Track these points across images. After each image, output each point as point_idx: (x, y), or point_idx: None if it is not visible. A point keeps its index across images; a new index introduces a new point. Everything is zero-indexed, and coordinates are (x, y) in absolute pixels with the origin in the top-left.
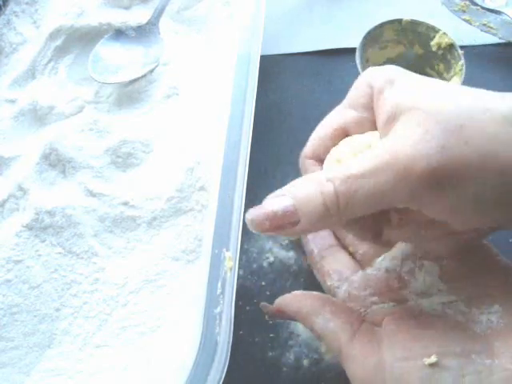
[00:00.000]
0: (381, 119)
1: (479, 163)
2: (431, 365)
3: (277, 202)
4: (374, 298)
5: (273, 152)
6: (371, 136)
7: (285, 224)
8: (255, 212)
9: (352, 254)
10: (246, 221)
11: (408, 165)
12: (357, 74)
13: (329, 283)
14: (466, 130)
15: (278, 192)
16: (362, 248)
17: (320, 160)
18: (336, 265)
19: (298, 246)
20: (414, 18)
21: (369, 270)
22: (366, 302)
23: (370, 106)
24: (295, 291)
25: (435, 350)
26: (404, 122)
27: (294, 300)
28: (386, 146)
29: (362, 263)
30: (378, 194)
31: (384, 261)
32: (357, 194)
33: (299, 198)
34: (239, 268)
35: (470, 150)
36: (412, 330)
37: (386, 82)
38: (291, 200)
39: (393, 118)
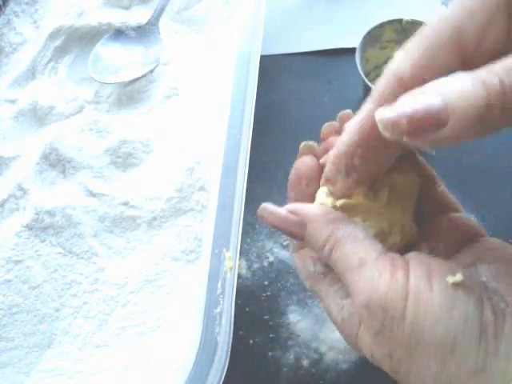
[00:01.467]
0: None
1: None
2: (454, 284)
3: (419, 99)
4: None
5: (273, 152)
6: None
7: (428, 125)
8: (387, 111)
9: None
10: (377, 120)
11: None
12: (357, 74)
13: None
14: None
15: (417, 90)
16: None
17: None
18: None
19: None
20: (414, 18)
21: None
22: None
23: None
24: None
25: (460, 270)
26: None
27: (316, 207)
28: None
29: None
30: None
31: None
32: None
33: (451, 92)
34: (239, 268)
35: None
36: (436, 259)
37: None
38: (438, 97)
39: None
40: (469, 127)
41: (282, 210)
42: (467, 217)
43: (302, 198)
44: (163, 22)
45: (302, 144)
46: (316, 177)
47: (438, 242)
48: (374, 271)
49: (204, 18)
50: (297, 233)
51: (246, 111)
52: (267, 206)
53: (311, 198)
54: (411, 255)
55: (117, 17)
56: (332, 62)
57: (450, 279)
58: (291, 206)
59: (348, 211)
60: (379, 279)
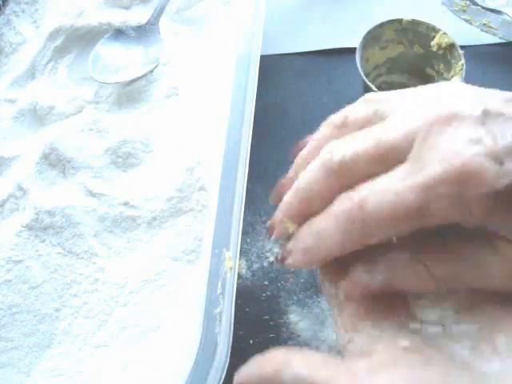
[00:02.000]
0: None
1: None
2: None
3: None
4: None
5: (273, 152)
6: None
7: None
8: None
9: None
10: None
11: None
12: (357, 74)
13: None
14: None
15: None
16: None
17: None
18: None
19: None
20: (414, 18)
21: None
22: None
23: None
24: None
25: None
26: None
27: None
28: None
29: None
30: None
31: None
32: None
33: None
34: (239, 268)
35: None
36: (410, 370)
37: None
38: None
39: None
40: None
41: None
42: None
43: None
44: (163, 22)
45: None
46: None
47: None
48: None
49: (204, 18)
50: None
51: (246, 111)
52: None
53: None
54: None
55: (117, 17)
56: (332, 62)
57: None
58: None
59: None
60: None
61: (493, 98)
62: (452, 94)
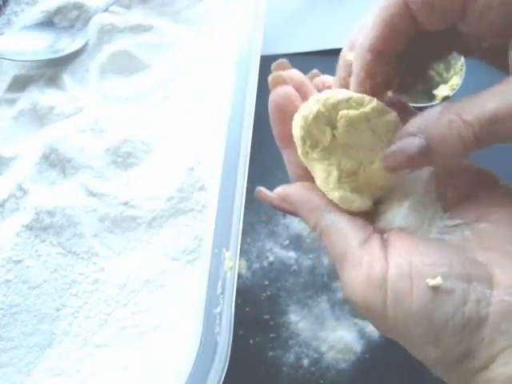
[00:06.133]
0: None
1: None
2: (434, 287)
3: (411, 142)
4: None
5: (273, 152)
6: (345, 91)
7: (418, 159)
8: (392, 153)
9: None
10: (384, 157)
11: None
12: None
13: None
14: None
15: (409, 129)
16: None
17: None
18: None
19: None
20: None
21: None
22: None
23: None
24: (301, 182)
25: (439, 271)
26: None
27: (301, 190)
28: None
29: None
30: None
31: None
32: (499, 136)
33: (435, 140)
34: (239, 268)
35: None
36: (417, 246)
37: None
38: (424, 140)
39: None
40: (450, 161)
41: (273, 197)
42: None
43: (287, 134)
44: (163, 22)
45: (271, 76)
46: (297, 105)
47: (445, 186)
48: (352, 266)
49: (204, 18)
50: (292, 213)
51: (246, 111)
52: (261, 190)
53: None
54: (392, 238)
55: (117, 16)
56: (332, 62)
57: (430, 282)
58: (280, 190)
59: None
60: (357, 277)
61: None
62: None
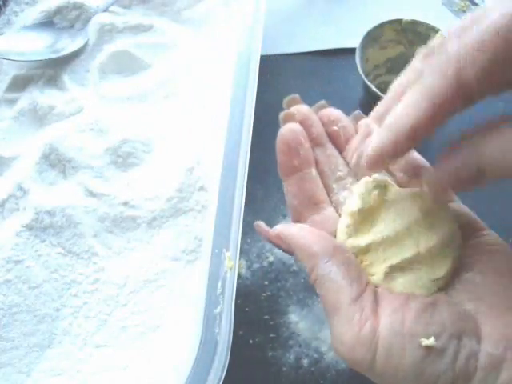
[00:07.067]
0: None
1: None
2: (427, 347)
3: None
4: None
5: (273, 152)
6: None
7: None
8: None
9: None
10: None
11: None
12: (357, 74)
13: None
14: None
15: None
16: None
17: None
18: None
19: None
20: (414, 19)
21: None
22: None
23: None
24: (301, 224)
25: (432, 330)
26: None
27: (301, 233)
28: None
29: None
30: None
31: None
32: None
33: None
34: (239, 268)
35: None
36: (410, 303)
37: None
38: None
39: None
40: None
41: (271, 234)
42: (463, 206)
43: (289, 165)
44: (163, 22)
45: (283, 113)
46: (303, 141)
47: None
48: (343, 321)
49: (204, 18)
50: (288, 253)
51: (246, 111)
52: (259, 225)
53: (303, 161)
54: (383, 296)
55: (117, 16)
56: (332, 62)
57: (424, 342)
58: (279, 229)
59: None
60: (346, 332)
61: None
62: None
